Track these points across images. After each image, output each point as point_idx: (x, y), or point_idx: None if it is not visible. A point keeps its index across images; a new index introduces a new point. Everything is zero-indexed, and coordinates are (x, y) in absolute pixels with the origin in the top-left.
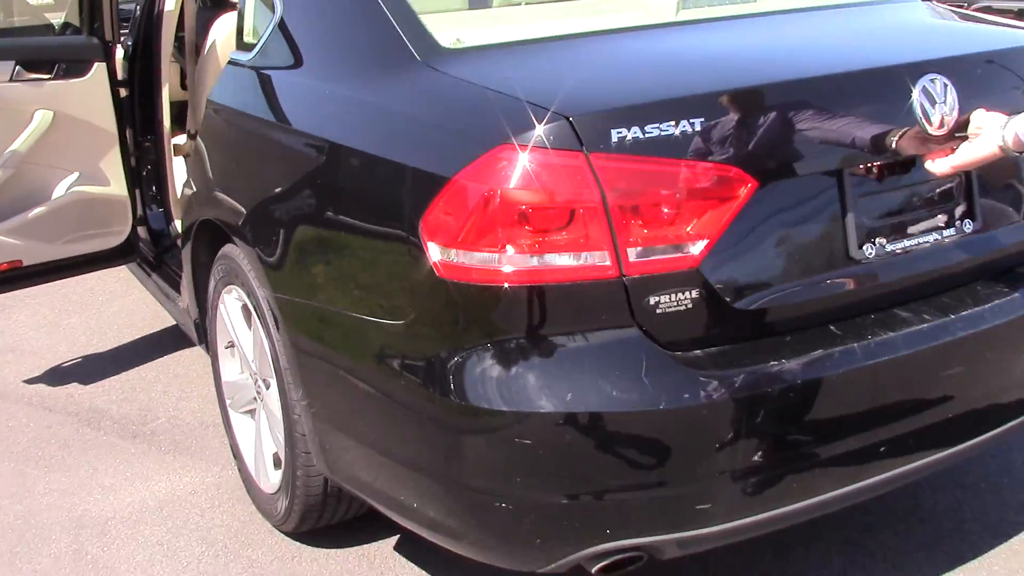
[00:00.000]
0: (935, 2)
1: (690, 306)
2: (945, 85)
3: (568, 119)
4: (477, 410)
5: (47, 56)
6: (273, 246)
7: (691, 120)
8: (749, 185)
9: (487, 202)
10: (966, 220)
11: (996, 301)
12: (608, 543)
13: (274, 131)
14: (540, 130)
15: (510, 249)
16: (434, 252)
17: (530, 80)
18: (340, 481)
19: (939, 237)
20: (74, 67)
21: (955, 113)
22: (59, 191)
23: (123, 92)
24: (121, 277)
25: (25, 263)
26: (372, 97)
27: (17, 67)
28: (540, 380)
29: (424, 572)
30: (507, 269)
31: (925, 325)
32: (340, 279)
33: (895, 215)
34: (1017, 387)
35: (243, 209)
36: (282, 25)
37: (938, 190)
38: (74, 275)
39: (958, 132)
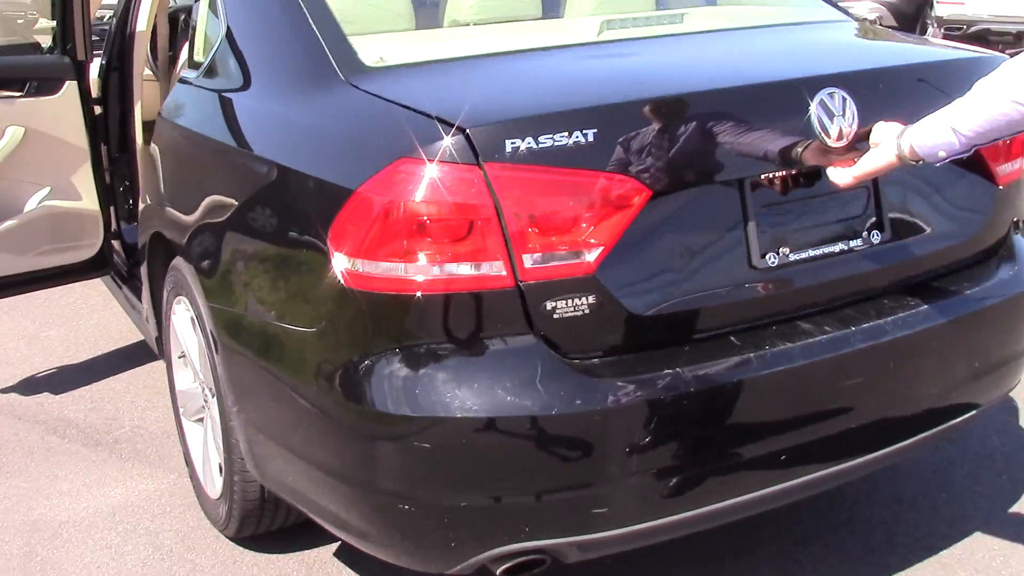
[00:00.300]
0: (877, 25)
1: (587, 312)
2: (844, 99)
3: (465, 132)
4: (379, 415)
5: (18, 75)
6: (207, 257)
7: (585, 131)
8: (644, 194)
9: (387, 213)
10: (874, 231)
11: (899, 314)
12: (509, 545)
13: (210, 146)
14: (438, 144)
15: (410, 259)
16: (340, 262)
17: (437, 96)
18: (269, 485)
19: (846, 248)
20: (45, 85)
21: (854, 125)
22: (30, 205)
23: (98, 109)
24: (103, 291)
25: None
26: (297, 114)
27: None
28: (439, 386)
29: None
30: (408, 278)
31: (824, 336)
32: (263, 289)
33: (800, 226)
34: (920, 401)
35: (183, 222)
36: (224, 46)
37: (846, 202)
38: (47, 287)
39: (860, 144)
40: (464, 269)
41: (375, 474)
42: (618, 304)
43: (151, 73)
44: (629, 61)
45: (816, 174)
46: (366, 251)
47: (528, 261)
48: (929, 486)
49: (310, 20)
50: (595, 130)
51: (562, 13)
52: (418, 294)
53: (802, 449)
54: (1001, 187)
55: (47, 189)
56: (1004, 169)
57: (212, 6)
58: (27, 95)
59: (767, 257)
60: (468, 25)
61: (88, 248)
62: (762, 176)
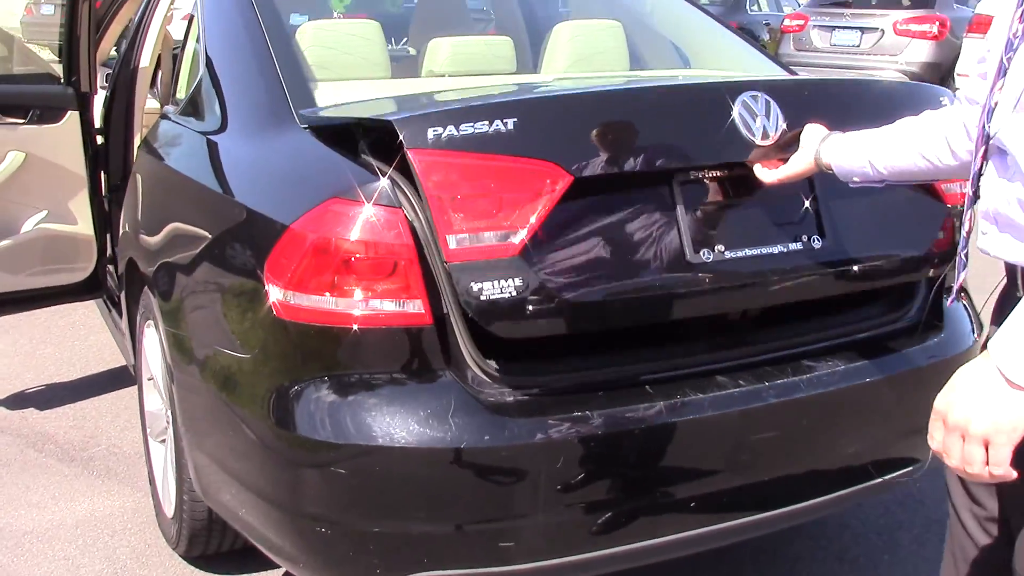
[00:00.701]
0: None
1: (514, 294)
2: (767, 101)
3: (391, 177)
4: (302, 440)
5: (22, 102)
6: (165, 283)
7: (506, 120)
8: (566, 179)
9: (315, 249)
10: (814, 236)
11: (816, 372)
12: (421, 572)
13: (175, 179)
14: (368, 186)
15: (337, 293)
16: (274, 293)
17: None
18: (212, 505)
19: (784, 249)
20: (48, 114)
21: (780, 126)
22: (27, 227)
23: (100, 139)
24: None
25: None
26: (253, 153)
27: None
28: (358, 415)
29: None
30: (334, 311)
31: (736, 390)
32: (208, 316)
33: (735, 225)
34: (837, 457)
35: (150, 249)
36: (199, 86)
37: (784, 205)
38: (42, 307)
39: (791, 145)
40: (387, 305)
41: (299, 498)
42: (543, 288)
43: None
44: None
45: (749, 175)
46: (297, 284)
47: (453, 242)
48: (874, 548)
49: (276, 66)
50: (515, 119)
51: (538, 69)
52: (343, 327)
53: (711, 498)
54: (948, 205)
55: (44, 212)
56: (950, 188)
57: (196, 48)
58: (30, 122)
59: (701, 253)
60: (443, 76)
61: (81, 271)
62: (692, 174)
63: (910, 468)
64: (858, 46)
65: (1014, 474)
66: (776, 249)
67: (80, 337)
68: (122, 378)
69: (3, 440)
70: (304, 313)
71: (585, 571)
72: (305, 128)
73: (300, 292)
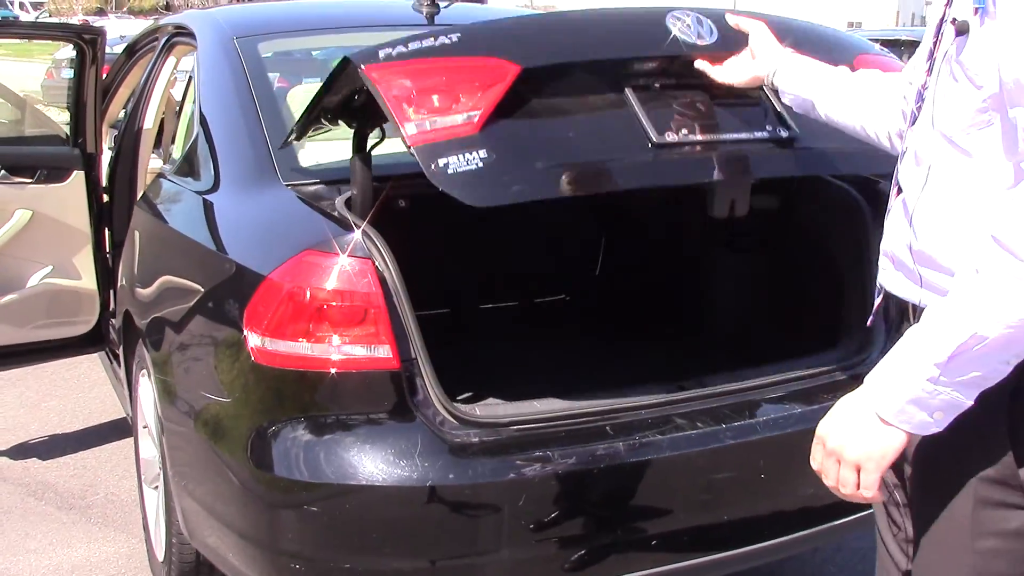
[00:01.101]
0: None
1: (480, 166)
2: (698, 17)
3: (364, 230)
4: (274, 479)
5: (29, 163)
6: (155, 333)
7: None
8: (514, 68)
9: (290, 298)
10: (779, 127)
11: (773, 416)
12: None
13: (166, 234)
14: (340, 238)
15: (310, 339)
16: (252, 339)
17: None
18: (197, 546)
19: (751, 136)
20: (55, 173)
21: (714, 32)
22: (33, 281)
23: (106, 198)
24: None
25: None
26: (239, 210)
27: (2, 171)
28: (329, 455)
29: None
30: (308, 356)
31: (694, 432)
32: (194, 363)
33: (696, 113)
34: (794, 498)
35: (142, 301)
36: (193, 146)
37: (742, 104)
38: (45, 360)
39: (736, 48)
40: (357, 351)
41: (274, 536)
42: (509, 158)
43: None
44: None
45: (700, 73)
46: (273, 330)
47: (412, 128)
48: None
49: (263, 128)
50: (459, 34)
51: None
52: (317, 371)
53: (672, 536)
54: None
55: (49, 267)
56: None
57: (191, 110)
58: (37, 181)
59: (666, 135)
60: None
61: (84, 324)
62: (640, 65)
63: (870, 510)
64: None
65: (880, 498)
66: (742, 135)
67: (85, 389)
68: (122, 429)
69: (5, 488)
70: (280, 358)
71: None
72: (287, 186)
73: (276, 338)
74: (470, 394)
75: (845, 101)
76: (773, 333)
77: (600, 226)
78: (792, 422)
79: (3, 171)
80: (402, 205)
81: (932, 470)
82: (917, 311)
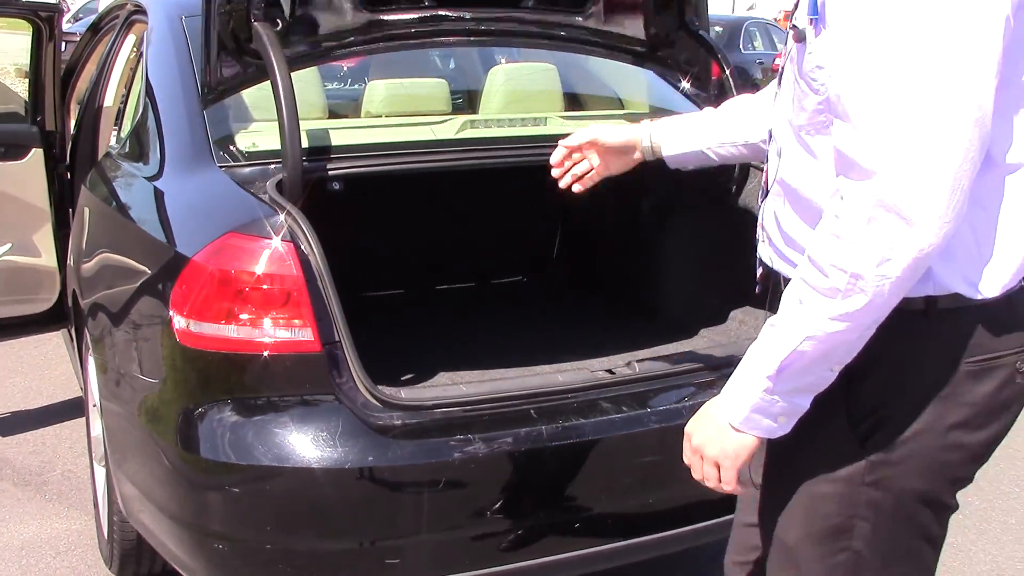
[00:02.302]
0: None
1: None
2: None
3: (288, 212)
4: (198, 459)
5: None
6: (93, 312)
7: None
8: None
9: (212, 279)
10: None
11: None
12: None
13: (106, 213)
14: (264, 222)
15: (232, 321)
16: (177, 321)
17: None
18: (135, 526)
19: None
20: (12, 151)
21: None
22: None
23: (69, 175)
24: None
25: None
26: (173, 191)
27: None
28: (249, 436)
29: None
30: (230, 338)
31: (618, 416)
32: (127, 344)
33: None
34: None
35: (83, 279)
36: (136, 126)
37: None
38: (6, 338)
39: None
40: (280, 333)
41: (200, 516)
42: None
43: None
44: None
45: None
46: (197, 312)
47: None
48: None
49: (202, 109)
50: None
51: (477, 109)
52: (240, 352)
53: (593, 520)
54: None
55: (8, 245)
56: None
57: (138, 89)
58: None
59: None
60: (380, 117)
61: (44, 301)
62: None
63: None
64: None
65: (741, 490)
66: None
67: (51, 366)
68: (82, 407)
69: None
70: (204, 340)
71: None
72: (222, 168)
73: (200, 320)
74: (411, 376)
75: (729, 131)
76: (721, 316)
77: (557, 208)
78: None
79: None
80: (336, 188)
81: (781, 464)
82: (785, 282)
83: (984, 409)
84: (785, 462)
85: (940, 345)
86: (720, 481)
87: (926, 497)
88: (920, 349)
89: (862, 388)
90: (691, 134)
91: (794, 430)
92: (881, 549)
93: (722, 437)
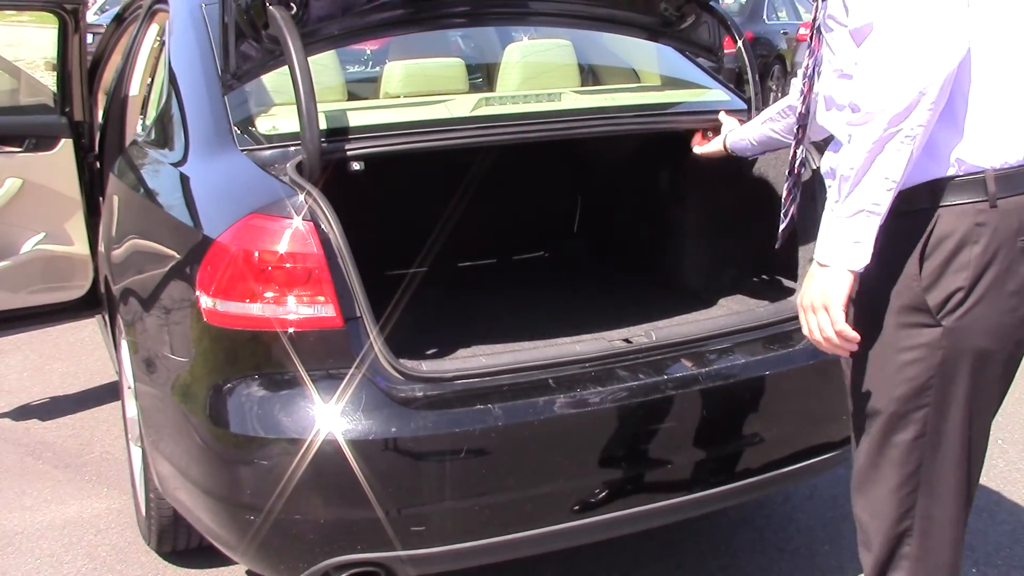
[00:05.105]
0: None
1: None
2: None
3: (309, 192)
4: (228, 434)
5: (18, 132)
6: (125, 296)
7: None
8: None
9: (236, 259)
10: None
11: (716, 366)
12: (343, 556)
13: (133, 199)
14: (285, 202)
15: (257, 299)
16: (204, 301)
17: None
18: (170, 501)
19: None
20: (43, 142)
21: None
22: (25, 248)
23: (98, 165)
24: None
25: None
26: (197, 175)
27: None
28: (277, 411)
29: None
30: (254, 316)
31: (636, 383)
32: (157, 325)
33: None
34: (742, 444)
35: (114, 265)
36: (160, 113)
37: None
38: (43, 324)
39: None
40: (303, 310)
41: (231, 489)
42: None
43: None
44: None
45: None
46: (223, 291)
47: None
48: (816, 539)
49: (223, 95)
50: None
51: (494, 87)
52: (264, 330)
53: (617, 485)
54: None
55: (42, 234)
56: None
57: (162, 76)
58: (26, 150)
59: None
60: (399, 97)
61: (78, 288)
62: None
63: (828, 455)
64: None
65: (851, 333)
66: None
67: (88, 352)
68: (119, 390)
69: (5, 448)
70: (230, 319)
71: (495, 555)
72: (243, 151)
73: (226, 299)
74: (432, 349)
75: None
76: (739, 286)
77: (576, 183)
78: (736, 372)
79: None
80: (356, 168)
81: (865, 304)
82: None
83: None
84: (869, 337)
85: (997, 226)
86: (833, 323)
87: (992, 355)
88: (980, 229)
89: (931, 263)
90: (750, 124)
91: (876, 308)
92: (956, 399)
93: (819, 282)
